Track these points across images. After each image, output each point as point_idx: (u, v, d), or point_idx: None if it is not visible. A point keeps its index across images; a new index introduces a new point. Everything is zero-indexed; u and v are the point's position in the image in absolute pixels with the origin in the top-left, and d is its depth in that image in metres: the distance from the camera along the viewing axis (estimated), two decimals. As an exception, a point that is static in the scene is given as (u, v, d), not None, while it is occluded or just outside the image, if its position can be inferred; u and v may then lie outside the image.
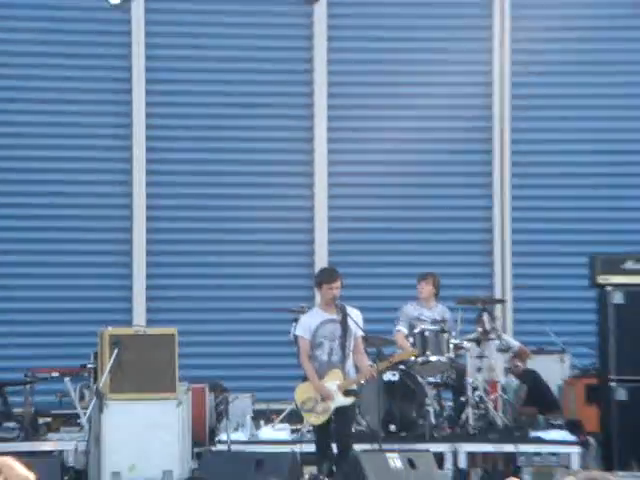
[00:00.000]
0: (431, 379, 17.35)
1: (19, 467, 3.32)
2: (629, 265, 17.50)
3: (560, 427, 17.50)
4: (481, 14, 21.82)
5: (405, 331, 17.48)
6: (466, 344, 17.47)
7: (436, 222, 21.42)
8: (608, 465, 16.28)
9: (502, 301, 20.58)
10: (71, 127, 21.33)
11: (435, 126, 21.31)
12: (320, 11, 21.09)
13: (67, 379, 17.50)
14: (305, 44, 21.55)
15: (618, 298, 17.17)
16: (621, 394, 16.95)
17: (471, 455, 16.60)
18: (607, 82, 21.71)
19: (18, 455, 14.62)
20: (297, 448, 16.29)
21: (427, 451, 15.69)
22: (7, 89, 21.31)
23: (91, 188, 21.28)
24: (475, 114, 21.72)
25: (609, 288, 17.29)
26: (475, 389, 17.26)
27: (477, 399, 17.27)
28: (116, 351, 16.03)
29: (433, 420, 17.05)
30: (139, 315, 20.97)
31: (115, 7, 20.37)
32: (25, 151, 21.36)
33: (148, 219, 21.31)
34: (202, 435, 17.77)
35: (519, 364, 18.49)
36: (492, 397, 17.49)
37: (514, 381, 18.26)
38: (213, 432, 17.90)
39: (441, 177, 21.47)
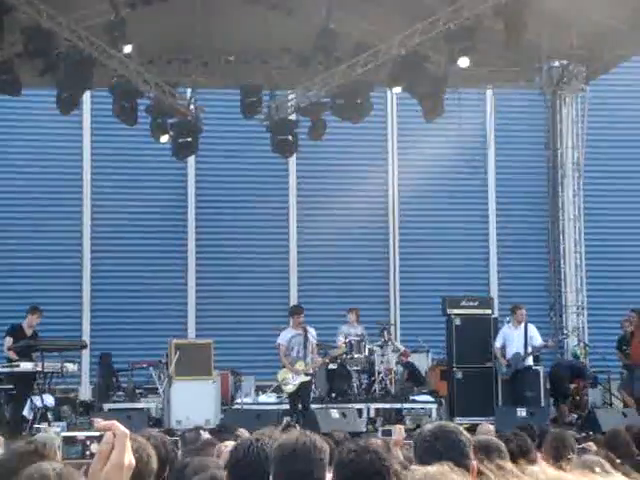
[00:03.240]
0: (355, 367, 17.98)
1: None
2: (463, 303, 18.39)
3: (426, 394, 18.30)
4: (381, 157, 22.28)
5: (342, 339, 17.91)
6: (374, 348, 18.13)
7: (358, 275, 21.75)
8: (451, 415, 17.17)
9: (394, 324, 20.93)
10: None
11: (356, 220, 21.81)
12: (292, 160, 21.43)
13: (151, 368, 18.26)
14: (284, 179, 22.10)
15: (457, 321, 18.09)
16: (458, 375, 17.90)
17: (377, 410, 17.52)
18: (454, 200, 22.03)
19: (124, 410, 16.72)
20: (279, 407, 17.13)
21: (352, 408, 16.56)
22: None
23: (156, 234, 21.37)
24: (377, 219, 22.18)
25: (452, 316, 18.18)
26: (379, 373, 17.97)
27: (380, 379, 17.96)
28: (178, 352, 17.27)
29: (356, 390, 17.83)
30: (191, 328, 21.27)
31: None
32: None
33: (197, 274, 21.61)
34: (227, 399, 18.29)
35: (403, 358, 18.72)
36: (389, 377, 18.02)
37: (401, 368, 18.55)
38: (233, 398, 18.45)
39: (361, 249, 21.87)
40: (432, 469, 3.36)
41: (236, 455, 4.50)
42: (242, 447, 4.54)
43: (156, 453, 5.38)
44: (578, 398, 18.16)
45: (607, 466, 5.58)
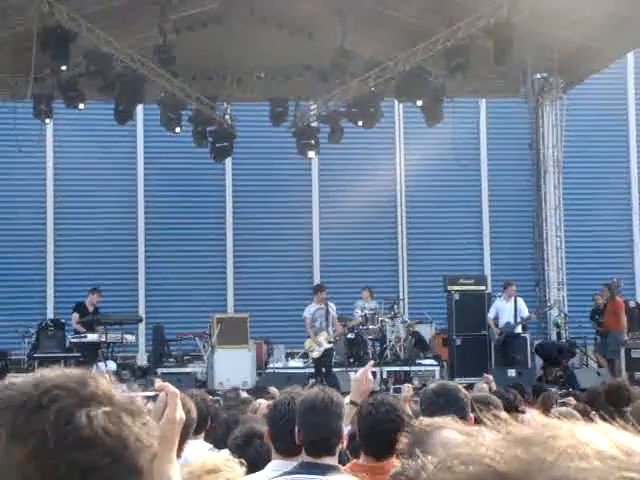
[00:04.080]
0: (370, 337, 17.99)
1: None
2: (461, 281, 18.15)
3: (430, 358, 18.22)
4: (390, 156, 22.16)
5: (360, 312, 17.95)
6: (386, 320, 17.91)
7: (371, 257, 21.61)
8: (452, 376, 16.80)
9: (402, 299, 21.00)
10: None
11: (369, 210, 21.55)
12: (314, 160, 21.40)
13: (197, 338, 18.24)
14: (308, 177, 22.00)
15: (456, 297, 17.82)
16: (458, 341, 17.70)
17: (388, 372, 17.32)
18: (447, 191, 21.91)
19: (174, 374, 16.76)
20: (306, 370, 17.21)
21: (368, 370, 17.34)
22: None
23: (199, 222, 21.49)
24: (387, 209, 22.03)
25: (452, 292, 17.93)
26: (390, 341, 17.90)
27: (391, 346, 17.93)
28: (219, 325, 17.18)
29: (371, 356, 17.39)
30: (230, 304, 21.24)
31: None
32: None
33: (235, 258, 21.58)
34: (261, 364, 18.26)
35: (411, 328, 18.58)
36: (398, 345, 18.00)
37: (409, 337, 18.37)
38: (266, 363, 18.41)
39: (374, 235, 21.74)
40: (438, 418, 3.39)
41: (276, 412, 4.49)
42: (282, 405, 4.53)
43: (198, 409, 5.47)
44: (562, 373, 17.78)
45: (578, 415, 5.72)
